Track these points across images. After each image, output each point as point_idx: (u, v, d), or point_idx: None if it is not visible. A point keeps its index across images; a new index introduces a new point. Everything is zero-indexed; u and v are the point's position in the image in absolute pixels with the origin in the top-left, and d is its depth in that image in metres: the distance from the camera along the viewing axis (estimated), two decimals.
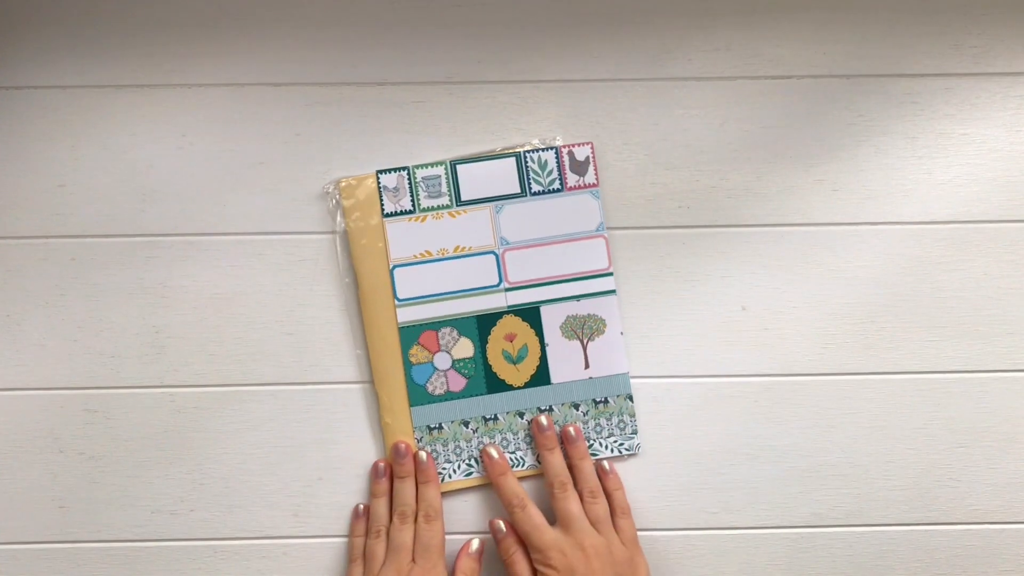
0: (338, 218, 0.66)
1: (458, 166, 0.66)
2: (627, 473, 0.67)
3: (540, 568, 0.62)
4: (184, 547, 0.67)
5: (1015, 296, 0.67)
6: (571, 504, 0.63)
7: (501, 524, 0.65)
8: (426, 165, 0.66)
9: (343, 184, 0.66)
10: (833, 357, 0.67)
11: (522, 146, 0.66)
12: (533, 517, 0.63)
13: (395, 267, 0.66)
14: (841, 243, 0.67)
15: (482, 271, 0.66)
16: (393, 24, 0.66)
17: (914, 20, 0.67)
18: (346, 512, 0.67)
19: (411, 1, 0.66)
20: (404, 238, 0.66)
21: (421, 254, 0.66)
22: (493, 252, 0.66)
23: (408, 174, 0.66)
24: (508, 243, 0.66)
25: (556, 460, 0.65)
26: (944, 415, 0.67)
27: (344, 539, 0.67)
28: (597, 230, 0.66)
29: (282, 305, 0.67)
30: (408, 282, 0.66)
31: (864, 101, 0.67)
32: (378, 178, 0.65)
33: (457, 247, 0.66)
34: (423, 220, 0.66)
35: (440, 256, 0.66)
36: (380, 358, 0.66)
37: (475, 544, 0.65)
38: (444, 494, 0.66)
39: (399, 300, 0.66)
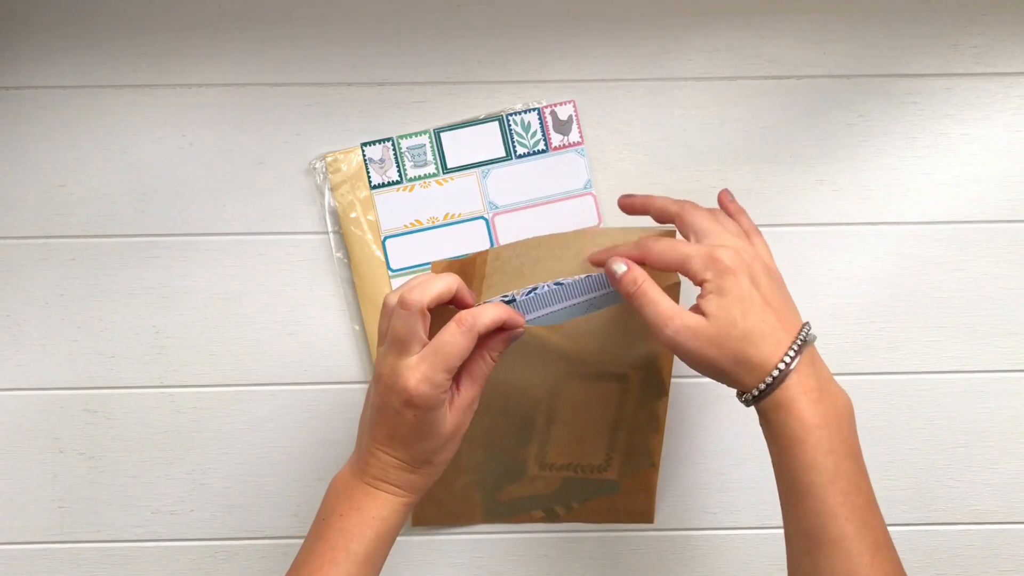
0: (326, 193, 0.66)
1: (442, 134, 0.66)
2: None
3: (709, 279, 0.52)
4: (184, 547, 0.67)
5: (1015, 296, 0.67)
6: (696, 218, 0.55)
7: (617, 263, 0.54)
8: (410, 135, 0.66)
9: (329, 159, 0.66)
10: (833, 357, 0.67)
11: (504, 110, 0.66)
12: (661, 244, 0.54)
13: (387, 238, 0.66)
14: (841, 243, 0.67)
15: (473, 237, 0.66)
16: (393, 24, 0.66)
17: (914, 20, 0.67)
18: None
19: (411, 1, 0.66)
20: (393, 209, 0.66)
21: (411, 224, 0.66)
22: (483, 217, 0.66)
23: (393, 145, 0.66)
24: (497, 207, 0.66)
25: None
26: (944, 415, 0.67)
27: None
28: (585, 188, 0.66)
29: (282, 305, 0.67)
30: (401, 252, 0.66)
31: (864, 101, 0.67)
32: (363, 151, 0.66)
33: (447, 214, 0.66)
34: (411, 190, 0.66)
35: (430, 225, 0.66)
36: (373, 326, 0.66)
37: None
38: None
39: (393, 271, 0.66)
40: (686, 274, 0.54)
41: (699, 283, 0.53)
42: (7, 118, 0.66)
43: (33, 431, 0.67)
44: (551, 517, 0.66)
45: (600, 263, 0.56)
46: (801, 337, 0.52)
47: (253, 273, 0.67)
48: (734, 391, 0.53)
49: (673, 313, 0.52)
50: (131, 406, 0.67)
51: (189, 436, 0.67)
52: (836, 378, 0.67)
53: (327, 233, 0.66)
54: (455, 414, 0.53)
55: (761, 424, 0.52)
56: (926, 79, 0.67)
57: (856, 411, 0.67)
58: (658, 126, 0.67)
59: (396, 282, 0.66)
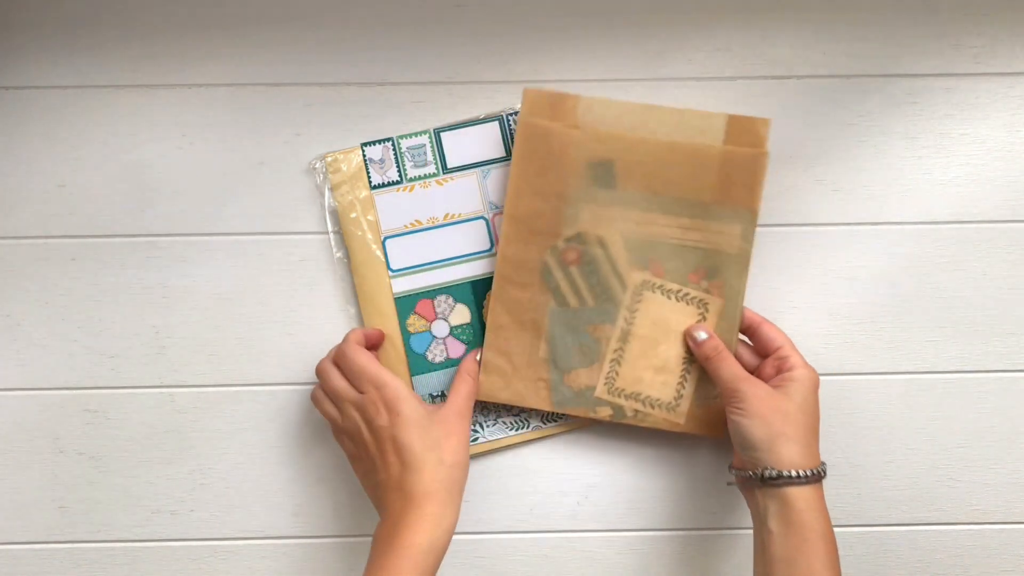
0: (326, 193, 0.66)
1: (442, 134, 0.66)
2: (626, 472, 0.67)
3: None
4: (184, 547, 0.67)
5: (1015, 296, 0.67)
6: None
7: (699, 330, 0.63)
8: (410, 135, 0.66)
9: (329, 159, 0.66)
10: (833, 357, 0.67)
11: (504, 110, 0.66)
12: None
13: (386, 238, 0.66)
14: (841, 243, 0.67)
15: (473, 237, 0.66)
16: (393, 24, 0.66)
17: (914, 20, 0.67)
18: (346, 512, 0.67)
19: (411, 1, 0.66)
20: (393, 209, 0.66)
21: (411, 224, 0.66)
22: (483, 217, 0.66)
23: (393, 145, 0.66)
24: (497, 207, 0.66)
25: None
26: (944, 415, 0.67)
27: (343, 539, 0.67)
28: None
29: (282, 305, 0.67)
30: (400, 252, 0.66)
31: (864, 101, 0.67)
32: (363, 151, 0.66)
33: (447, 215, 0.66)
34: (411, 190, 0.66)
35: (430, 225, 0.66)
36: (373, 326, 0.66)
37: (480, 354, 0.64)
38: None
39: (392, 271, 0.66)
40: (782, 353, 0.62)
41: (788, 367, 0.60)
42: (7, 118, 0.66)
43: (33, 431, 0.67)
44: (619, 415, 0.64)
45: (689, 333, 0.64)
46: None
47: (253, 273, 0.67)
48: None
49: (748, 375, 0.60)
50: (131, 406, 0.67)
51: (189, 436, 0.67)
52: (836, 378, 0.67)
53: (327, 233, 0.66)
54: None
55: (777, 521, 0.57)
56: (926, 79, 0.67)
57: (857, 411, 0.68)
58: None
59: (396, 282, 0.66)
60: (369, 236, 0.66)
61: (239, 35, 0.66)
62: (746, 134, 0.62)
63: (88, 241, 0.67)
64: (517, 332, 0.64)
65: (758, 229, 0.67)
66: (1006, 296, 0.67)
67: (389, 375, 0.59)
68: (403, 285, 0.66)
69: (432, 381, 0.66)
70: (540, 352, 0.64)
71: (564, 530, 0.68)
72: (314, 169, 0.66)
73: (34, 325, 0.67)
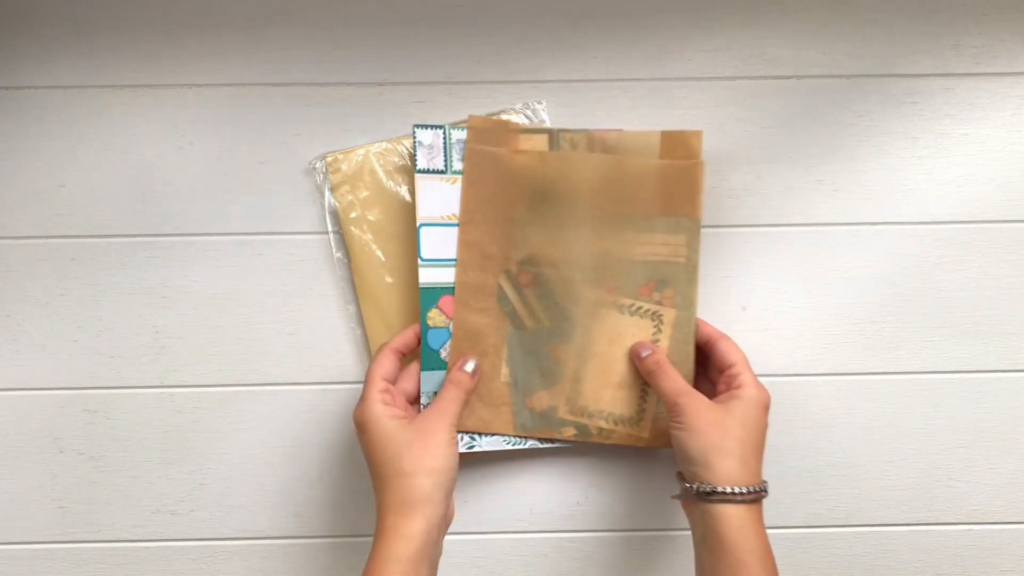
0: (326, 193, 0.66)
1: None
2: (626, 473, 0.67)
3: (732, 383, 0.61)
4: (184, 547, 0.67)
5: (1015, 296, 0.67)
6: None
7: (644, 347, 0.63)
8: (462, 127, 0.64)
9: (329, 159, 0.66)
10: (833, 357, 0.67)
11: (505, 110, 0.66)
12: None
13: (422, 225, 0.64)
14: (841, 243, 0.67)
15: None
16: (393, 24, 0.66)
17: (914, 20, 0.67)
18: (346, 512, 0.67)
19: (411, 1, 0.66)
20: (433, 196, 0.64)
21: (449, 216, 0.65)
22: None
23: (444, 133, 0.65)
24: None
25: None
26: (944, 415, 0.67)
27: (343, 539, 0.67)
28: None
29: (282, 305, 0.67)
30: (433, 242, 0.64)
31: (864, 101, 0.67)
32: (414, 132, 0.64)
33: None
34: (454, 182, 0.65)
35: None
36: (374, 326, 0.66)
37: (470, 365, 0.63)
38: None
39: (423, 259, 0.64)
40: (734, 371, 0.61)
41: (737, 384, 0.59)
42: (7, 118, 0.66)
43: (33, 431, 0.67)
44: (583, 434, 0.65)
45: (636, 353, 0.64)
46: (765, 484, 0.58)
47: (253, 273, 0.67)
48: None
49: (689, 389, 0.60)
50: (131, 406, 0.67)
51: (189, 436, 0.67)
52: (836, 378, 0.67)
53: (327, 233, 0.66)
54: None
55: (711, 539, 0.56)
56: (926, 79, 0.67)
57: (856, 411, 0.68)
58: (659, 126, 0.67)
59: (424, 271, 0.64)
60: (369, 236, 0.66)
61: (239, 35, 0.66)
62: (680, 147, 0.64)
63: (88, 241, 0.67)
64: (479, 359, 0.64)
65: (760, 229, 0.67)
66: (1006, 296, 0.67)
67: (371, 390, 0.59)
68: (430, 276, 0.64)
69: (440, 379, 0.65)
70: (502, 376, 0.65)
71: (564, 530, 0.68)
72: (314, 169, 0.66)
73: (34, 325, 0.67)
